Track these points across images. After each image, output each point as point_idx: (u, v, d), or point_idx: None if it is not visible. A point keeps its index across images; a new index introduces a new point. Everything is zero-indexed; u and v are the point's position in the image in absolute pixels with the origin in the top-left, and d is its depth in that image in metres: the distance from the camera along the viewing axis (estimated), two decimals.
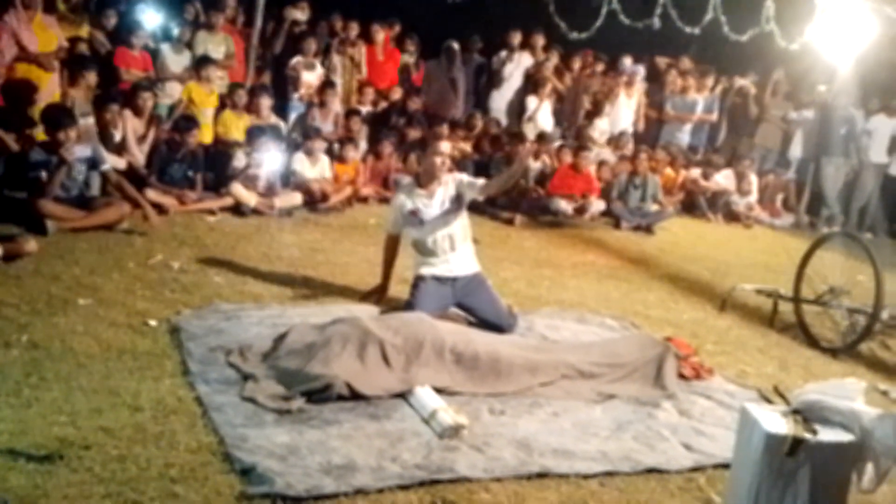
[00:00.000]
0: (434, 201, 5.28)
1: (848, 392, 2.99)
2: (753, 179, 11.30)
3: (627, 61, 11.80)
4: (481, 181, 5.44)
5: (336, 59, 10.23)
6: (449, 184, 5.33)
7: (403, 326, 4.32)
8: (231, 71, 9.34)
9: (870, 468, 2.85)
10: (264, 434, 3.44)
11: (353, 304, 5.29)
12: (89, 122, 7.33)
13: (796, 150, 11.77)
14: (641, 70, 11.89)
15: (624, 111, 11.40)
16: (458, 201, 5.33)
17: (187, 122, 7.87)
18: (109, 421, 3.35)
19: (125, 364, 3.92)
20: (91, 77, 7.65)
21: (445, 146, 5.52)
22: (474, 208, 9.13)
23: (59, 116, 6.44)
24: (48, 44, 7.44)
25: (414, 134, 9.59)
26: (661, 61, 12.16)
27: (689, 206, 11.12)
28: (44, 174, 6.31)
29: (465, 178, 5.43)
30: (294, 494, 3.00)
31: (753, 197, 11.29)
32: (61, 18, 8.13)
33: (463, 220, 5.37)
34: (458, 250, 5.31)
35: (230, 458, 3.19)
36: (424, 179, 5.35)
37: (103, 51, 8.72)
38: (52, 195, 6.27)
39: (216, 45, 9.18)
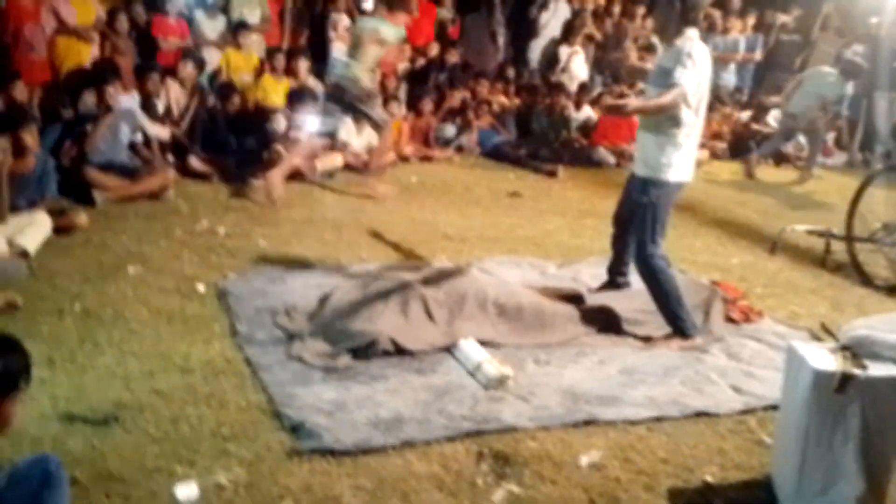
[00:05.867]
0: None
1: None
2: None
3: None
4: None
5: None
6: None
7: (446, 281, 4.33)
8: (267, 34, 9.31)
9: None
10: (312, 391, 3.49)
11: (395, 262, 5.31)
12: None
13: (848, 87, 11.40)
14: None
15: None
16: None
17: (226, 89, 7.91)
18: (161, 383, 3.43)
19: (175, 328, 4.01)
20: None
21: None
22: (516, 162, 9.14)
23: (103, 73, 6.73)
24: (87, 16, 7.53)
25: (456, 94, 9.49)
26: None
27: (738, 149, 10.86)
28: (89, 127, 6.51)
29: None
30: (342, 448, 3.05)
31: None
32: None
33: None
34: None
35: (279, 416, 3.26)
36: None
37: (141, 21, 8.77)
38: (96, 145, 6.44)
39: (251, 8, 9.13)
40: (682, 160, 4.20)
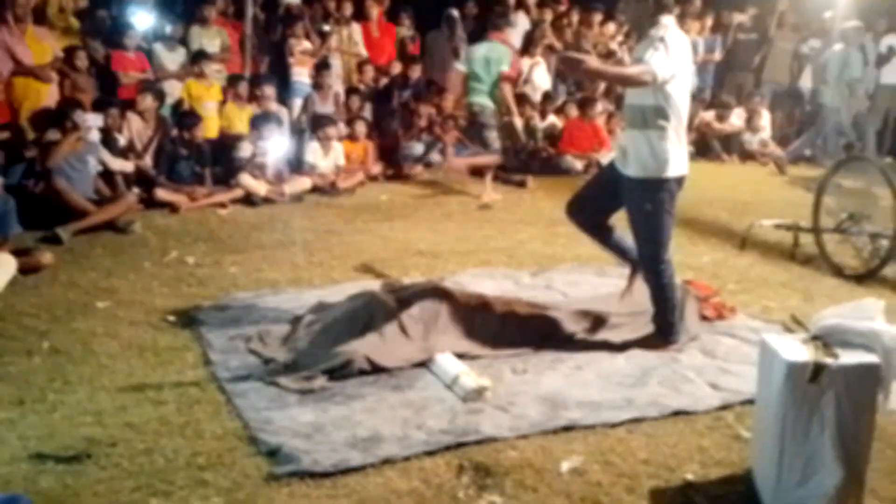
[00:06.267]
0: None
1: (867, 312, 2.94)
2: (766, 116, 11.13)
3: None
4: None
5: (333, 41, 10.16)
6: None
7: (420, 296, 4.31)
8: (228, 63, 9.31)
9: (895, 387, 2.81)
10: (288, 415, 3.46)
11: (368, 281, 5.29)
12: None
13: (807, 81, 11.58)
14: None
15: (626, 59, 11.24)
16: None
17: (190, 117, 7.89)
18: (134, 417, 3.38)
19: (147, 361, 3.96)
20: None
21: None
22: (480, 174, 9.13)
23: (66, 107, 6.93)
24: (43, 56, 7.48)
25: (423, 110, 9.52)
26: None
27: (703, 149, 10.97)
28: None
29: None
30: (321, 470, 3.01)
31: (767, 133, 11.13)
32: (53, 28, 8.15)
33: None
34: None
35: (256, 441, 3.21)
36: None
37: (100, 56, 8.72)
38: (58, 162, 6.51)
39: (210, 38, 9.16)
40: (677, 152, 4.02)
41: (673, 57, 3.86)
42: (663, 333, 4.25)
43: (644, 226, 4.11)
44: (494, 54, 8.09)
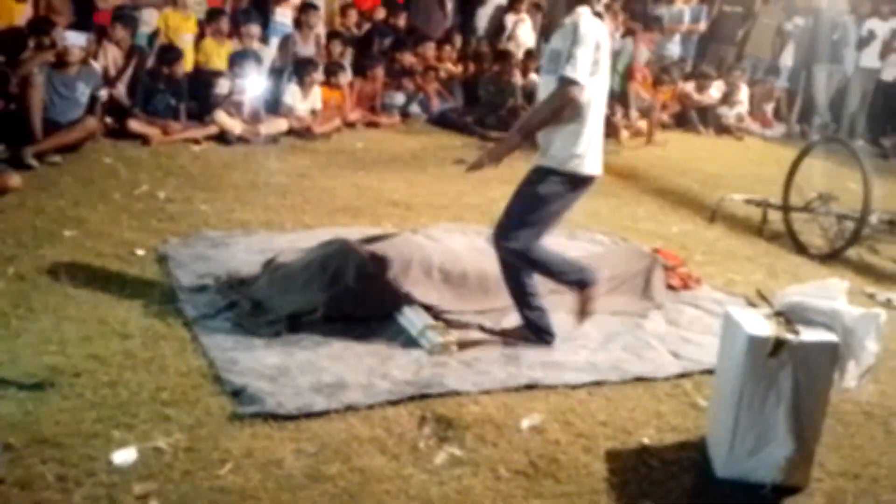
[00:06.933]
0: None
1: (830, 292, 3.01)
2: (744, 90, 11.17)
3: None
4: None
5: None
6: None
7: (391, 247, 4.30)
8: None
9: (851, 366, 2.88)
10: (254, 356, 3.47)
11: (341, 228, 5.27)
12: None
13: (787, 59, 11.63)
14: None
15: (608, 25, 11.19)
16: None
17: (172, 52, 7.72)
18: (99, 348, 3.37)
19: (113, 293, 3.93)
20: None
21: None
22: (463, 129, 9.11)
23: (41, 29, 6.72)
24: None
25: (406, 60, 9.42)
26: None
27: (680, 120, 11.00)
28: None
29: None
30: (284, 412, 3.04)
31: (744, 108, 11.18)
32: None
33: None
34: None
35: (220, 381, 3.23)
36: None
37: None
38: (31, 67, 6.37)
39: None
40: (592, 150, 3.64)
41: (591, 50, 3.51)
42: (525, 328, 3.86)
43: (517, 197, 3.76)
44: None
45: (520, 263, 3.78)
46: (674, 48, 11.56)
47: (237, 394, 3.14)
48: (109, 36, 7.71)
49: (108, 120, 7.18)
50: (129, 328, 3.57)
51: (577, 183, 3.68)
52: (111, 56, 7.67)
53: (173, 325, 3.67)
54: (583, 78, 3.49)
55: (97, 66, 7.38)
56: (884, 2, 11.08)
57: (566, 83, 3.50)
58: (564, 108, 3.55)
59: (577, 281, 3.80)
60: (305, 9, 9.29)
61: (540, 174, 3.70)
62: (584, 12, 3.59)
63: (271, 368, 3.38)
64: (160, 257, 4.46)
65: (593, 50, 3.52)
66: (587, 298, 3.82)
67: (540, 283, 4.29)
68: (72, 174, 5.93)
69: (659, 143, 9.65)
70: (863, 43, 11.06)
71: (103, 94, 7.31)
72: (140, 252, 4.51)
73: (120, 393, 3.06)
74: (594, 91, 3.60)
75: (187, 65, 8.15)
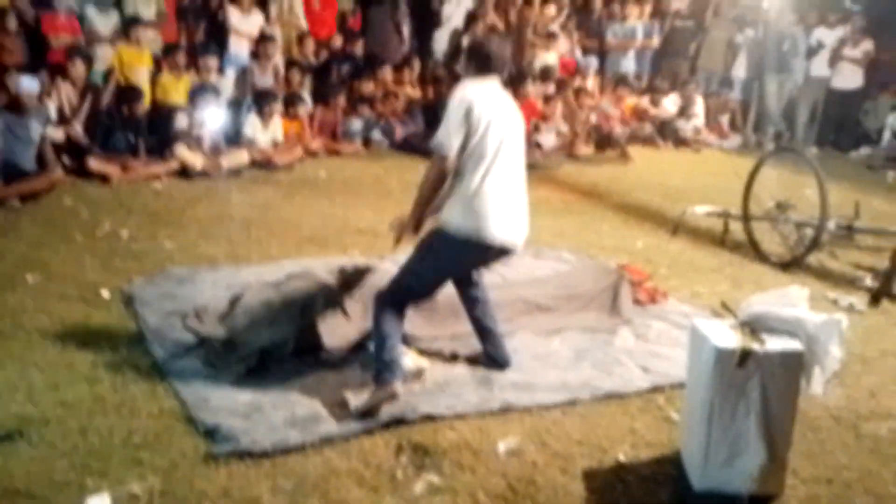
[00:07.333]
0: None
1: (792, 300, 3.07)
2: (700, 103, 11.35)
3: None
4: None
5: (273, 11, 9.97)
6: None
7: (359, 276, 4.31)
8: (163, 29, 9.06)
9: (817, 372, 2.94)
10: (226, 394, 3.45)
11: (307, 259, 5.26)
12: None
13: (740, 71, 11.83)
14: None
15: (563, 44, 11.34)
16: None
17: (132, 93, 7.69)
18: (68, 395, 3.33)
19: (79, 337, 3.89)
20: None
21: None
22: (425, 153, 9.13)
23: None
24: None
25: (364, 85, 9.47)
26: None
27: (639, 134, 11.13)
28: None
29: None
30: (260, 449, 3.02)
31: (700, 120, 11.35)
32: None
33: None
34: None
35: (193, 421, 3.20)
36: None
37: (29, 18, 8.40)
38: None
39: (146, 4, 8.88)
40: (481, 211, 3.47)
41: (456, 121, 3.40)
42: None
43: (414, 259, 3.68)
44: None
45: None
46: (628, 64, 11.72)
47: (211, 433, 3.12)
48: (64, 74, 7.65)
49: (66, 160, 7.10)
50: (97, 372, 3.53)
51: (471, 248, 3.54)
52: (65, 94, 7.61)
53: (142, 367, 3.63)
54: (446, 149, 3.41)
55: (50, 104, 7.33)
56: (830, 11, 11.36)
57: (431, 162, 3.49)
58: (435, 182, 3.50)
59: (382, 372, 3.44)
60: (263, 40, 9.30)
61: (433, 234, 3.63)
62: (465, 84, 3.52)
63: (244, 405, 3.36)
64: (126, 298, 4.42)
65: (462, 119, 3.40)
66: (379, 395, 3.41)
67: (507, 305, 4.33)
68: (31, 216, 5.86)
69: (631, 160, 9.84)
70: (812, 52, 11.33)
71: (59, 133, 7.25)
72: (105, 293, 4.46)
73: (91, 439, 3.02)
74: (475, 158, 3.45)
75: (144, 100, 8.12)
